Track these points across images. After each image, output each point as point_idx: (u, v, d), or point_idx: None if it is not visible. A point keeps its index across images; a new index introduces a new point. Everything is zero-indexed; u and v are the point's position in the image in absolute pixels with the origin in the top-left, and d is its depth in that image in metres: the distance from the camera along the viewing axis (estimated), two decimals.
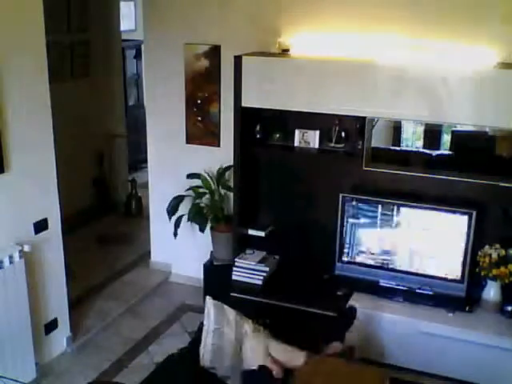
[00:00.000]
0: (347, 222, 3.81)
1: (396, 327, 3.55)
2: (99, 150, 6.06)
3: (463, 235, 3.57)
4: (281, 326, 3.25)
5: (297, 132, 3.94)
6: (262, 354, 2.90)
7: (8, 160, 3.13)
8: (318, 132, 3.91)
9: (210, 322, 2.95)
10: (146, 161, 4.81)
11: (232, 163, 4.02)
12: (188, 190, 4.32)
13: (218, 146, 4.37)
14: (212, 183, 4.33)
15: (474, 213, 3.52)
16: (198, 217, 4.26)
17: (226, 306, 3.06)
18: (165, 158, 4.61)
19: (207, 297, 3.10)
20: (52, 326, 3.62)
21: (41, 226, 3.43)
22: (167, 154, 4.59)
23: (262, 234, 4.08)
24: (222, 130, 4.33)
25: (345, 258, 3.88)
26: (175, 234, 4.25)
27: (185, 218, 4.26)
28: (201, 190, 4.31)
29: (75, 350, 3.78)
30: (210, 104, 4.32)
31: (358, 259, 3.86)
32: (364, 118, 3.62)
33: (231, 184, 4.19)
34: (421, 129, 3.67)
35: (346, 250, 3.86)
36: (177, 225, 4.25)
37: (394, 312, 3.58)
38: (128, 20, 7.53)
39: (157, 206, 4.66)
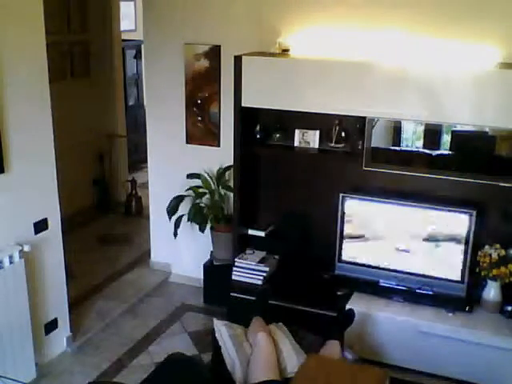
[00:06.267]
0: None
1: (396, 327, 3.55)
2: (99, 149, 6.07)
3: (463, 235, 3.57)
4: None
5: (297, 132, 3.94)
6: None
7: (8, 160, 3.12)
8: (317, 132, 3.91)
9: (229, 348, 2.99)
10: (146, 161, 4.81)
11: (232, 163, 4.01)
12: (188, 190, 4.33)
13: (218, 146, 4.37)
14: (212, 183, 4.33)
15: (474, 213, 3.52)
16: (198, 217, 4.26)
17: (234, 325, 3.13)
18: (165, 158, 4.61)
19: (214, 319, 3.17)
20: (52, 325, 3.62)
21: (41, 226, 3.42)
22: (167, 154, 4.59)
23: (261, 234, 4.08)
24: (221, 129, 4.33)
25: (345, 258, 3.89)
26: (175, 234, 4.25)
27: (185, 218, 4.26)
28: (201, 190, 4.32)
29: (75, 349, 3.78)
30: (210, 104, 4.32)
31: (358, 259, 3.86)
32: (364, 117, 3.62)
33: (231, 184, 4.19)
34: (421, 129, 3.67)
35: (345, 250, 3.87)
36: (177, 225, 4.24)
37: (394, 312, 3.59)
38: (128, 20, 7.54)
39: (157, 206, 4.66)
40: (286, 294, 3.81)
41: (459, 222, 3.57)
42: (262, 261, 4.01)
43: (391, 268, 3.79)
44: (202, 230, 4.26)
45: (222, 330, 3.06)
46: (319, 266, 3.99)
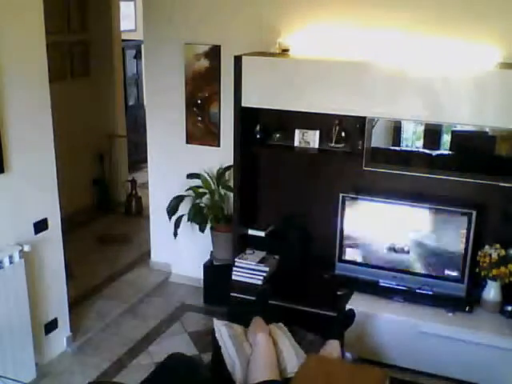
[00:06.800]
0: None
1: (396, 327, 3.55)
2: (99, 150, 6.07)
3: (463, 235, 3.57)
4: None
5: (297, 132, 3.94)
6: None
7: (8, 160, 3.13)
8: (317, 132, 3.90)
9: (229, 348, 2.99)
10: (146, 161, 4.81)
11: (232, 163, 4.01)
12: (188, 190, 4.33)
13: (218, 146, 4.37)
14: (212, 183, 4.33)
15: (474, 213, 3.52)
16: (198, 217, 4.26)
17: (234, 325, 3.14)
18: (165, 158, 4.61)
19: (214, 319, 3.18)
20: (52, 325, 3.62)
21: (41, 226, 3.42)
22: (167, 154, 4.59)
23: (261, 234, 4.08)
24: (222, 130, 4.33)
25: (345, 258, 3.89)
26: (175, 234, 4.25)
27: (185, 218, 4.26)
28: (201, 190, 4.32)
29: (75, 349, 3.78)
30: (210, 104, 4.32)
31: (358, 259, 3.86)
32: (364, 117, 3.62)
33: (231, 184, 4.19)
34: (421, 129, 3.67)
35: (345, 250, 3.87)
36: (177, 225, 4.25)
37: (394, 312, 3.59)
38: (128, 20, 7.54)
39: (157, 206, 4.65)
40: (285, 294, 3.81)
41: (459, 222, 3.57)
42: (261, 261, 4.01)
43: (391, 268, 3.79)
44: (202, 230, 4.26)
45: (222, 330, 3.06)
46: (319, 266, 3.99)
